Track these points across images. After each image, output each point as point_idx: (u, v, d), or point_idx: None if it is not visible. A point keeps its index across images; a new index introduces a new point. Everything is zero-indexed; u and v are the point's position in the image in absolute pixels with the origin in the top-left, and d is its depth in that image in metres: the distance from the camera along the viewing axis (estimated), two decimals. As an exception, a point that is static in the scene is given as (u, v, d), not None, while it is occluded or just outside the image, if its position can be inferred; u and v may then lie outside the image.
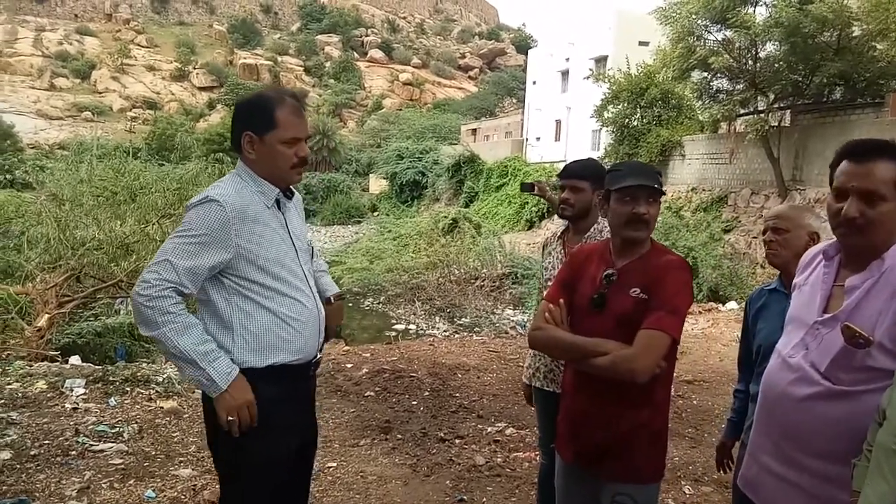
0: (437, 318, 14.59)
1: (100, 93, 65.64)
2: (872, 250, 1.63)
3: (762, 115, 15.45)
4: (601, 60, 27.28)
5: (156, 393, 5.10)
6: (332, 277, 2.55)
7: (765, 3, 15.16)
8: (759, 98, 15.65)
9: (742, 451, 2.25)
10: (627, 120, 21.17)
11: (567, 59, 31.28)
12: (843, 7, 13.57)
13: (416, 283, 17.06)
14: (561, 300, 2.12)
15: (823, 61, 13.94)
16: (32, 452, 3.91)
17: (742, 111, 16.29)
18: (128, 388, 5.13)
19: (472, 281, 16.59)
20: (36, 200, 10.34)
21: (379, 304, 16.53)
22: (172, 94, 68.57)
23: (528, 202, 25.62)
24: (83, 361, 6.48)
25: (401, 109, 64.71)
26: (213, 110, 63.74)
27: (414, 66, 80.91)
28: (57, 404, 4.74)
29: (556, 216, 5.09)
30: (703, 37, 15.75)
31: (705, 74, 16.30)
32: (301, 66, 78.22)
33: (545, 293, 2.30)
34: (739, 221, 16.60)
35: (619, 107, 21.02)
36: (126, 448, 4.08)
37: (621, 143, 21.05)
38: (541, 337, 2.14)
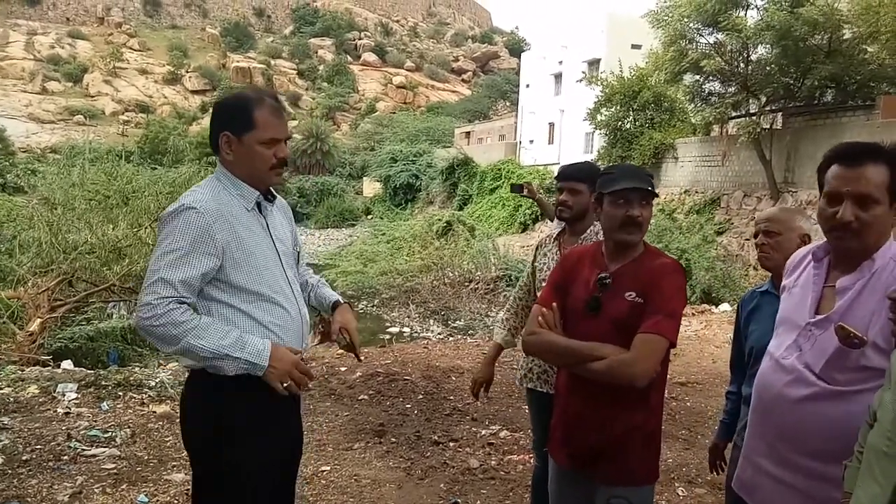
0: (432, 321, 14.56)
1: (92, 96, 65.27)
2: (863, 252, 1.64)
3: (754, 117, 15.55)
4: (594, 63, 27.36)
5: (148, 397, 5.09)
6: (326, 280, 2.53)
7: (756, 6, 15.26)
8: (750, 101, 15.74)
9: (735, 453, 2.25)
10: (620, 123, 21.27)
11: (560, 62, 31.34)
12: (833, 10, 13.69)
13: (410, 286, 17.02)
14: (554, 304, 2.11)
15: (814, 64, 14.04)
16: (24, 457, 3.89)
17: (734, 114, 16.38)
18: (120, 393, 5.12)
19: (466, 284, 16.57)
20: (28, 204, 10.26)
21: (373, 307, 16.49)
22: (165, 97, 68.26)
23: (521, 205, 25.68)
24: (75, 366, 6.47)
25: (394, 112, 64.55)
26: (206, 114, 63.04)
27: (407, 70, 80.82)
28: (49, 409, 4.72)
29: (547, 219, 5.12)
30: (694, 40, 15.85)
31: (697, 77, 16.39)
32: (294, 69, 78.00)
33: (538, 296, 2.30)
34: (732, 223, 16.68)
35: (612, 110, 21.12)
36: (118, 453, 4.06)
37: (614, 146, 21.14)
38: (535, 342, 2.11)
